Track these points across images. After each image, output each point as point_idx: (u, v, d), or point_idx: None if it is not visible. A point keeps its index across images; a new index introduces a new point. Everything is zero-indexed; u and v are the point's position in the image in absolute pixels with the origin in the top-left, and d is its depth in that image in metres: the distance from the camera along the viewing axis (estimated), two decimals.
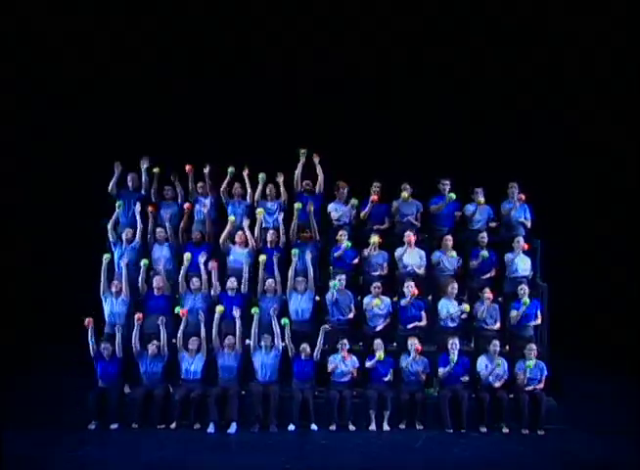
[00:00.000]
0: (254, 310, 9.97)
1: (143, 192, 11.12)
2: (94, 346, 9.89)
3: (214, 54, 13.18)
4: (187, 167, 11.06)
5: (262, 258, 10.33)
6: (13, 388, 10.53)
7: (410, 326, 10.11)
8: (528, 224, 10.99)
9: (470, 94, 13.10)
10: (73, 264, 12.62)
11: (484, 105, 13.05)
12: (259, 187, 11.03)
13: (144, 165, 11.08)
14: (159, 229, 10.77)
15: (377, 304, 10.09)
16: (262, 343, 9.89)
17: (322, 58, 13.01)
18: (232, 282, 10.28)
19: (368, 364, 9.86)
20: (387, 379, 9.85)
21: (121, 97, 12.96)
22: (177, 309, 10.10)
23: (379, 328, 10.16)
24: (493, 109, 13.03)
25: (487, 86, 13.05)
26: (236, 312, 9.96)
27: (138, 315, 9.94)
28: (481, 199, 10.90)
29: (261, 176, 11.01)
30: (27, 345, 12.12)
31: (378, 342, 9.86)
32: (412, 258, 10.54)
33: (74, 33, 12.88)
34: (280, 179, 11.03)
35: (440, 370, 9.83)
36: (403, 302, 10.12)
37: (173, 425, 9.67)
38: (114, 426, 9.69)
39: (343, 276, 10.25)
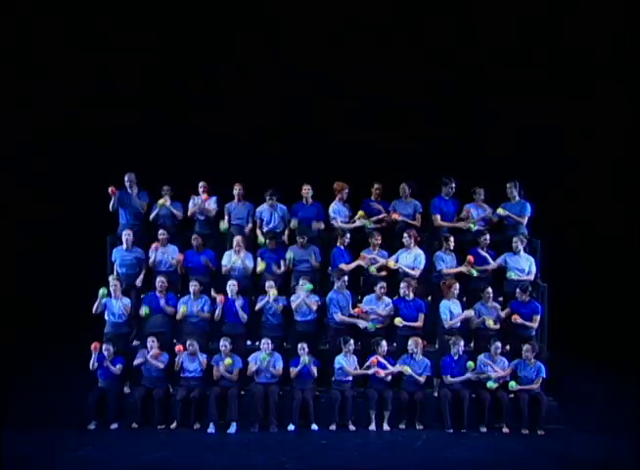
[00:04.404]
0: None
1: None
2: (94, 362, 9.86)
3: (214, 54, 13.20)
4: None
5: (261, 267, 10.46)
6: (13, 388, 10.52)
7: (399, 323, 10.04)
8: (524, 221, 10.91)
9: (470, 94, 13.10)
10: (73, 264, 12.63)
11: (484, 104, 13.05)
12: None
13: None
14: (160, 231, 10.74)
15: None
16: (262, 347, 9.89)
17: (322, 57, 13.00)
18: (232, 286, 10.23)
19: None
20: (385, 376, 9.84)
21: (121, 97, 12.98)
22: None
23: (368, 326, 10.17)
24: (493, 108, 13.03)
25: (487, 86, 13.05)
26: (243, 317, 10.10)
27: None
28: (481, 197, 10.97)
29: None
30: (27, 345, 12.12)
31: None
32: (406, 258, 10.54)
33: (74, 33, 12.90)
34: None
35: (448, 379, 9.83)
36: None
37: (173, 425, 9.68)
38: (114, 426, 9.70)
39: (345, 277, 10.26)
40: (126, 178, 11.03)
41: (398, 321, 10.03)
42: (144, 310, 10.15)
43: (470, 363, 9.83)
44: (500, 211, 10.87)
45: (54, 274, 12.90)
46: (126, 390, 9.96)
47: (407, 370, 9.82)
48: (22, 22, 12.77)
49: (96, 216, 11.31)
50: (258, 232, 10.97)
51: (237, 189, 11.06)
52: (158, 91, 13.11)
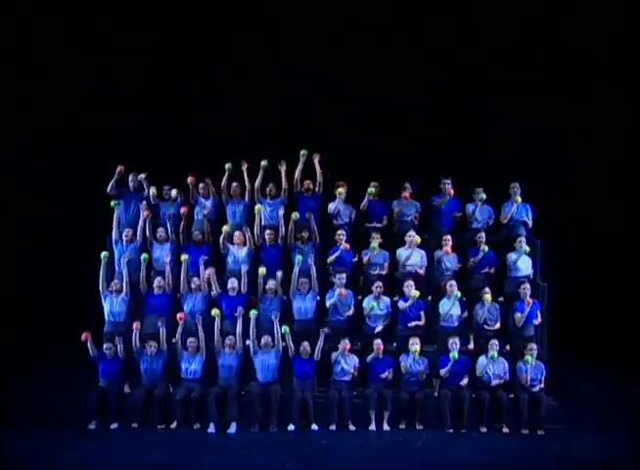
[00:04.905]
0: (253, 312, 9.96)
1: (145, 194, 11.14)
2: (94, 350, 9.91)
3: (214, 54, 13.21)
4: (189, 179, 11.02)
5: (262, 270, 10.37)
6: (13, 388, 10.52)
7: (412, 324, 10.09)
8: (530, 223, 11.00)
9: (470, 94, 13.10)
10: (73, 264, 12.63)
11: (484, 104, 13.06)
12: (260, 176, 10.99)
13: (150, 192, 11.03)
14: (159, 229, 10.79)
15: (373, 306, 10.16)
16: (262, 343, 9.89)
17: (322, 57, 13.01)
18: (232, 283, 10.30)
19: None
20: (384, 376, 9.83)
21: (121, 97, 12.99)
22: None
23: (378, 329, 10.17)
24: (493, 108, 13.04)
25: (487, 86, 13.06)
26: (238, 313, 9.97)
27: (136, 324, 9.94)
28: (483, 195, 10.95)
29: (263, 164, 10.98)
30: (27, 345, 12.12)
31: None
32: (414, 257, 10.55)
33: (74, 33, 12.91)
34: (282, 168, 11.02)
35: (442, 371, 9.83)
36: (401, 305, 10.13)
37: (173, 425, 9.68)
38: (114, 426, 9.70)
39: (344, 275, 10.26)
40: (130, 178, 11.06)
41: (415, 294, 10.03)
42: (143, 256, 10.31)
43: (454, 354, 9.77)
44: (519, 199, 10.87)
45: (54, 274, 12.90)
46: (126, 390, 9.96)
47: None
48: (22, 22, 12.78)
49: (96, 216, 11.30)
50: None
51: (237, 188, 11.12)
52: (158, 91, 13.12)
